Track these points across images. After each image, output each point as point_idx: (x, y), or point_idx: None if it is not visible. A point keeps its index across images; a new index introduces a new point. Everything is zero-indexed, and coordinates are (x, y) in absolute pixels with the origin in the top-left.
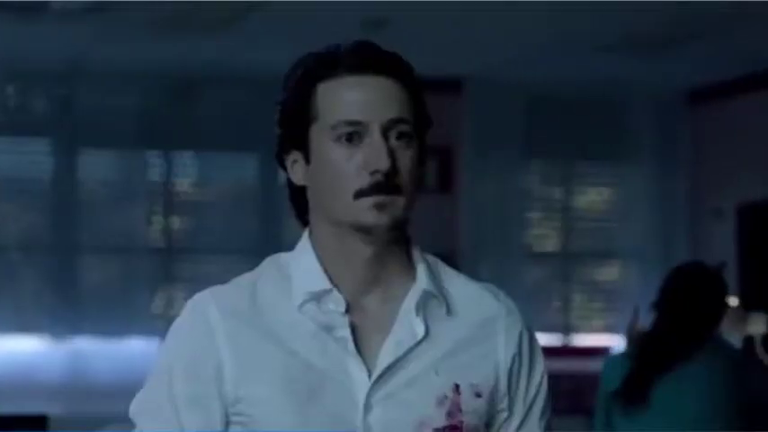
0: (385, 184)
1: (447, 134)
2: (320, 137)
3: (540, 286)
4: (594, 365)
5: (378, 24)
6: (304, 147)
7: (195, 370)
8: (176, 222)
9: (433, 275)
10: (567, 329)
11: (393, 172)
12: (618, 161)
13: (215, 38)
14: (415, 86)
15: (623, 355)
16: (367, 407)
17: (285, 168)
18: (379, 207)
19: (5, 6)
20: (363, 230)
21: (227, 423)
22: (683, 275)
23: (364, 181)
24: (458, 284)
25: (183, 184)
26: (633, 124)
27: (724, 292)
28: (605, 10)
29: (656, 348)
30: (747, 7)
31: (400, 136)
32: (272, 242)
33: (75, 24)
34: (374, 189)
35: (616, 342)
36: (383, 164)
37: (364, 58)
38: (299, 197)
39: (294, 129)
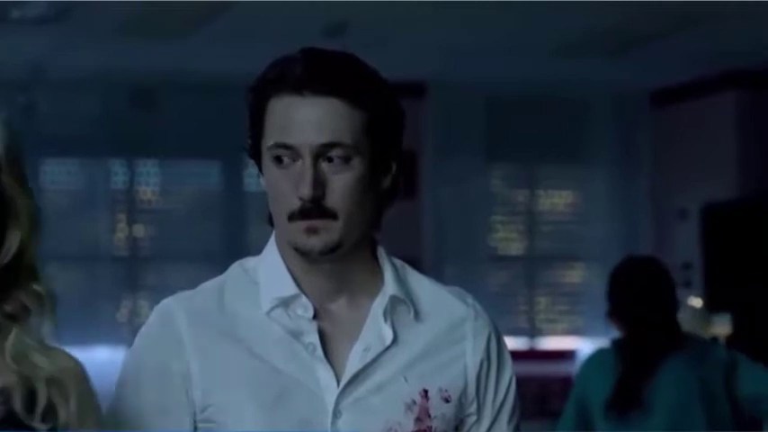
0: (315, 209)
1: (410, 138)
2: (264, 154)
3: (505, 290)
4: (560, 368)
5: (339, 28)
6: (258, 160)
7: (162, 378)
8: (140, 230)
9: (401, 280)
10: (532, 333)
11: (320, 198)
12: (580, 163)
13: (176, 44)
14: (366, 102)
15: (600, 360)
16: (336, 413)
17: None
18: (311, 231)
19: None
20: (301, 253)
21: (195, 429)
22: (639, 275)
23: (295, 205)
24: (425, 289)
25: (147, 191)
26: (595, 126)
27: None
28: (565, 10)
29: (638, 350)
30: (708, 7)
31: (335, 159)
32: (236, 249)
33: (35, 32)
34: (303, 214)
35: (581, 345)
36: (306, 192)
37: (306, 78)
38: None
39: (251, 141)
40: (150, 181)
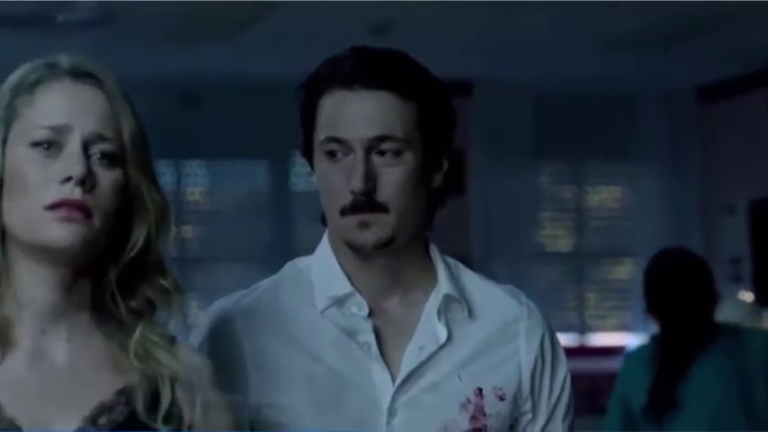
0: (366, 203)
1: (458, 137)
2: (317, 149)
3: (554, 286)
4: (610, 364)
5: (385, 28)
6: (310, 157)
7: (218, 380)
8: (188, 231)
9: (454, 278)
10: (581, 329)
11: (372, 191)
12: (628, 159)
13: (223, 46)
14: (418, 96)
15: (640, 357)
16: (391, 412)
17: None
18: (362, 226)
19: (9, 21)
20: (354, 249)
21: (252, 430)
22: (668, 267)
23: (347, 199)
24: (478, 287)
25: (194, 192)
26: (643, 122)
27: (709, 270)
28: (613, 7)
29: (672, 347)
30: (758, 3)
31: (387, 153)
32: (284, 248)
33: (82, 36)
34: (354, 208)
35: (630, 340)
36: (357, 184)
37: (357, 72)
38: None
39: (303, 139)
40: (198, 182)
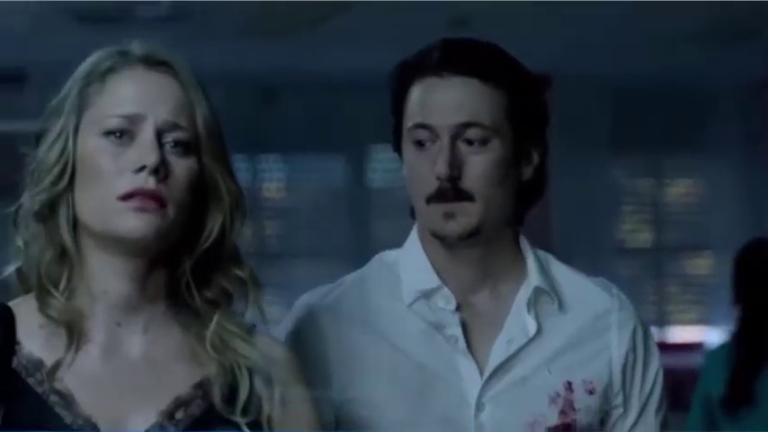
0: (451, 190)
1: None
2: (405, 138)
3: (633, 281)
4: (690, 360)
5: (462, 22)
6: (400, 147)
7: (300, 371)
8: (265, 227)
9: (544, 271)
10: (661, 324)
11: (457, 178)
12: (706, 152)
13: (301, 41)
14: (507, 85)
15: (721, 354)
16: (479, 406)
17: None
18: (448, 216)
19: (88, 17)
20: (440, 239)
21: (337, 425)
22: (757, 257)
23: (432, 186)
24: (569, 280)
25: (271, 188)
26: (720, 115)
27: None
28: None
29: (750, 339)
30: None
31: (473, 140)
32: (361, 244)
33: (160, 32)
34: (439, 195)
35: (709, 335)
36: (442, 170)
37: (447, 59)
38: None
39: (394, 129)
40: (274, 177)
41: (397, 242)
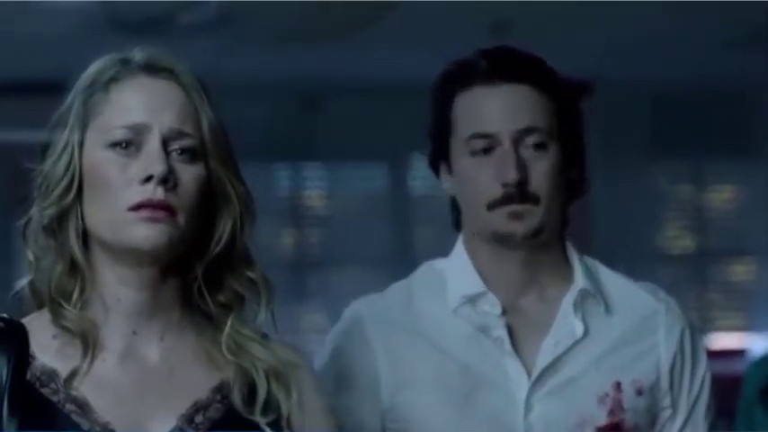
0: (517, 194)
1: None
2: (457, 149)
3: (675, 287)
4: (732, 366)
5: (504, 27)
6: (447, 158)
7: (349, 382)
8: (307, 235)
9: (591, 274)
10: (703, 331)
11: (524, 182)
12: (747, 158)
13: (342, 47)
14: (555, 90)
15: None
16: (528, 406)
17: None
18: (514, 216)
19: (127, 26)
20: (501, 240)
21: (384, 430)
22: None
23: (497, 192)
24: (616, 283)
25: (313, 196)
26: (761, 120)
27: None
28: (730, 4)
29: None
30: None
31: (534, 145)
32: (404, 252)
33: (201, 39)
34: (506, 200)
35: (753, 342)
36: (511, 176)
37: (496, 67)
38: (455, 204)
39: (438, 140)
40: (316, 185)
41: (439, 249)
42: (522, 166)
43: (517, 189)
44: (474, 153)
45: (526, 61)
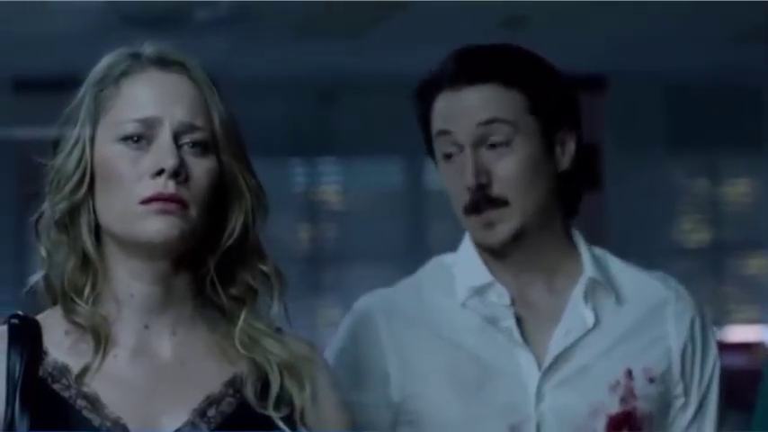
0: (482, 199)
1: (592, 131)
2: (436, 153)
3: (691, 281)
4: (748, 360)
5: (517, 24)
6: (433, 155)
7: (359, 377)
8: (322, 230)
9: (600, 264)
10: (719, 324)
11: (485, 185)
12: (763, 151)
13: (357, 42)
14: (524, 84)
15: None
16: (539, 395)
17: None
18: (488, 226)
19: (144, 22)
20: (484, 248)
21: (395, 424)
22: None
23: (466, 198)
24: (626, 273)
25: (328, 191)
26: None
27: None
28: None
29: None
30: None
31: (496, 144)
32: (418, 247)
33: (217, 34)
34: (473, 206)
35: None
36: (469, 180)
37: (458, 71)
38: None
39: (426, 143)
40: (331, 180)
41: (454, 244)
42: (481, 170)
43: (479, 193)
44: (445, 157)
45: (487, 60)
